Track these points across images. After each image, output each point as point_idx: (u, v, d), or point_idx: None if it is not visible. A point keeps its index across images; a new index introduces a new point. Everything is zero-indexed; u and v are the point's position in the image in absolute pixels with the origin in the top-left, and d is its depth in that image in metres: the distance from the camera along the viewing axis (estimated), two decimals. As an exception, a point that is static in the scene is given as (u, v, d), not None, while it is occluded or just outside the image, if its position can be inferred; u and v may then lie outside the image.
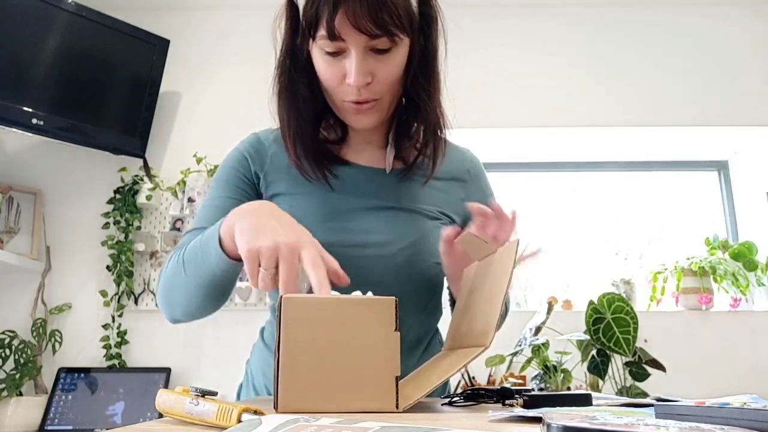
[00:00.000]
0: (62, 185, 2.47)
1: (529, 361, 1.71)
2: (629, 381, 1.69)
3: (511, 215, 0.79)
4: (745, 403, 0.43)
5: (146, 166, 2.42)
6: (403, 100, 0.90)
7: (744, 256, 2.38)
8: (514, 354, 1.71)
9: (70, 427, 2.09)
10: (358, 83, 0.77)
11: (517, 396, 0.64)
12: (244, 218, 0.67)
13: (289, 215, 0.69)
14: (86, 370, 2.22)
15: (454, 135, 1.02)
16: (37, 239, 2.36)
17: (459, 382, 1.88)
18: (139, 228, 2.40)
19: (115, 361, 2.25)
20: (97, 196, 2.44)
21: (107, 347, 2.27)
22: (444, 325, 1.01)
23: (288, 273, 0.61)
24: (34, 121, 2.14)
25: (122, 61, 2.38)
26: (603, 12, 2.63)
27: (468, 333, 0.69)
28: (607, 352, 1.66)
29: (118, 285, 2.32)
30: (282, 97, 0.87)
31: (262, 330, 1.00)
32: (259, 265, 0.62)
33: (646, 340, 1.82)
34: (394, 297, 0.57)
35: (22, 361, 2.15)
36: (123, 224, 2.38)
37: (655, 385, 1.66)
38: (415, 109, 0.88)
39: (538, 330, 1.67)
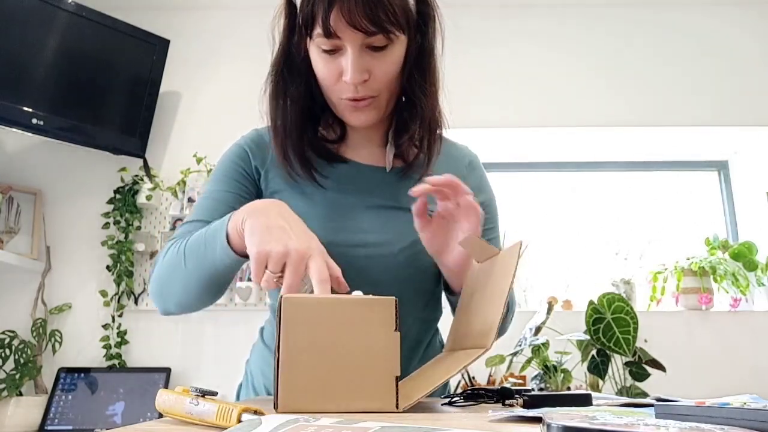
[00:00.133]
0: (62, 185, 2.47)
1: (529, 361, 1.71)
2: (629, 381, 1.69)
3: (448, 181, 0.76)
4: (745, 403, 0.43)
5: (146, 166, 2.42)
6: (403, 98, 0.90)
7: (744, 256, 2.38)
8: (514, 354, 1.71)
9: (70, 427, 2.09)
10: (355, 80, 0.78)
11: (517, 396, 0.64)
12: (255, 217, 0.67)
13: (298, 216, 0.70)
14: (86, 370, 2.22)
15: (454, 135, 1.02)
16: (37, 239, 2.36)
17: (459, 382, 1.88)
18: (139, 228, 2.40)
19: (115, 361, 2.25)
20: (97, 196, 2.44)
21: (107, 347, 2.27)
22: (445, 325, 1.01)
23: (293, 279, 0.62)
24: (34, 121, 2.14)
25: (122, 61, 2.38)
26: (603, 12, 2.63)
27: (469, 334, 0.69)
28: (607, 352, 1.66)
29: (118, 285, 2.32)
30: (272, 97, 0.87)
31: (262, 330, 1.00)
32: (265, 267, 0.63)
33: (646, 340, 1.82)
34: (394, 297, 0.57)
35: (22, 361, 2.15)
36: (123, 224, 2.38)
37: (655, 385, 1.67)
38: (412, 106, 0.88)
39: (538, 330, 1.67)
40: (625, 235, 2.70)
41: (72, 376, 2.21)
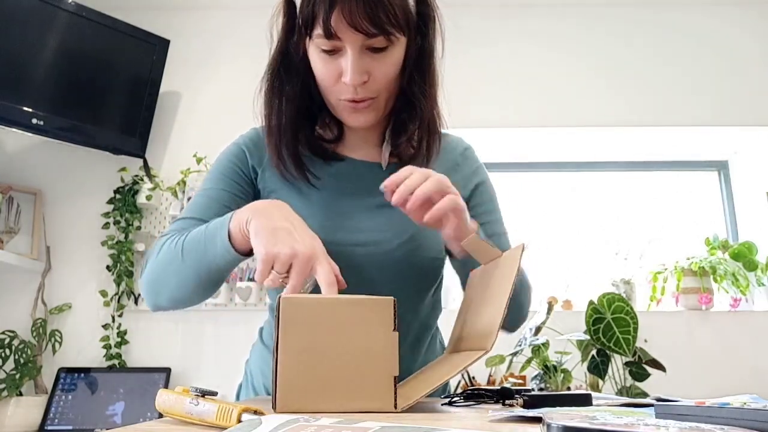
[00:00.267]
0: (62, 185, 2.47)
1: (529, 361, 1.71)
2: (629, 381, 1.69)
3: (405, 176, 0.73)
4: (745, 403, 0.43)
5: (146, 166, 2.42)
6: (401, 98, 0.90)
7: (744, 256, 2.38)
8: (514, 354, 1.71)
9: (70, 427, 2.09)
10: (354, 82, 0.77)
11: (517, 396, 0.64)
12: (260, 219, 0.68)
13: (301, 218, 0.71)
14: (86, 370, 2.22)
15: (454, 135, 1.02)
16: (37, 239, 2.36)
17: (459, 382, 1.88)
18: (139, 228, 2.40)
19: (115, 361, 2.25)
20: (97, 196, 2.44)
21: (107, 347, 2.27)
22: (445, 325, 1.01)
23: (298, 280, 0.64)
24: (34, 121, 2.14)
25: (122, 61, 2.38)
26: (603, 12, 2.63)
27: (470, 336, 0.69)
28: (607, 352, 1.66)
29: (118, 285, 2.32)
30: (268, 95, 0.87)
31: (261, 330, 1.00)
32: (271, 267, 0.65)
33: (646, 340, 1.82)
34: (392, 297, 0.57)
35: (22, 361, 2.15)
36: (123, 224, 2.38)
37: (655, 385, 1.66)
38: (411, 107, 0.88)
39: (538, 330, 1.67)
40: (625, 235, 2.70)
41: (72, 376, 2.21)
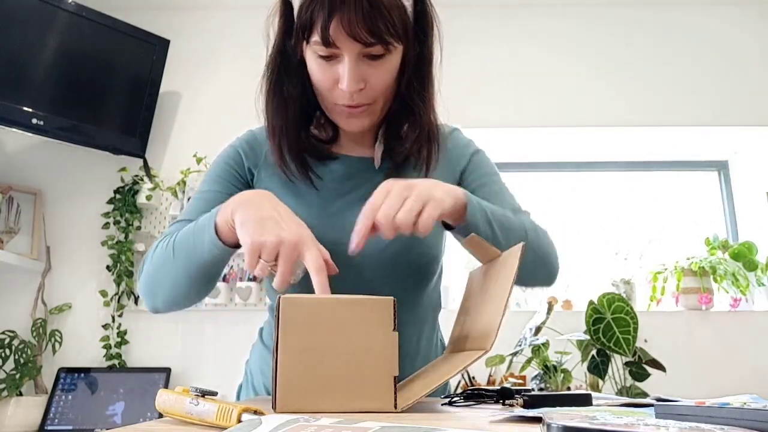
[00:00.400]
0: (62, 185, 2.47)
1: (529, 361, 1.71)
2: (629, 381, 1.69)
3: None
4: (745, 403, 0.43)
5: (146, 166, 2.42)
6: (398, 101, 0.89)
7: (744, 256, 2.38)
8: (514, 354, 1.71)
9: (70, 427, 2.09)
10: (351, 89, 0.77)
11: (517, 396, 0.64)
12: (245, 209, 0.69)
13: (287, 207, 0.72)
14: (86, 370, 2.22)
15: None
16: (37, 239, 2.36)
17: (459, 382, 1.88)
18: (139, 228, 2.40)
19: (115, 361, 2.25)
20: (97, 196, 2.44)
21: (107, 347, 2.27)
22: (445, 325, 1.01)
23: (286, 266, 0.65)
24: (34, 121, 2.14)
25: (122, 61, 2.38)
26: (603, 12, 2.63)
27: (470, 336, 0.69)
28: (607, 352, 1.66)
29: (118, 285, 2.32)
30: (269, 96, 0.87)
31: (261, 330, 1.01)
32: (259, 257, 0.66)
33: (646, 340, 1.82)
34: (392, 297, 0.57)
35: (22, 361, 2.15)
36: (123, 224, 2.38)
37: (655, 385, 1.66)
38: (408, 113, 0.87)
39: (538, 330, 1.67)
40: (625, 235, 2.70)
41: (72, 376, 2.21)
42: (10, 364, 2.16)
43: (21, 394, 2.10)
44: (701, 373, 2.18)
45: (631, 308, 1.65)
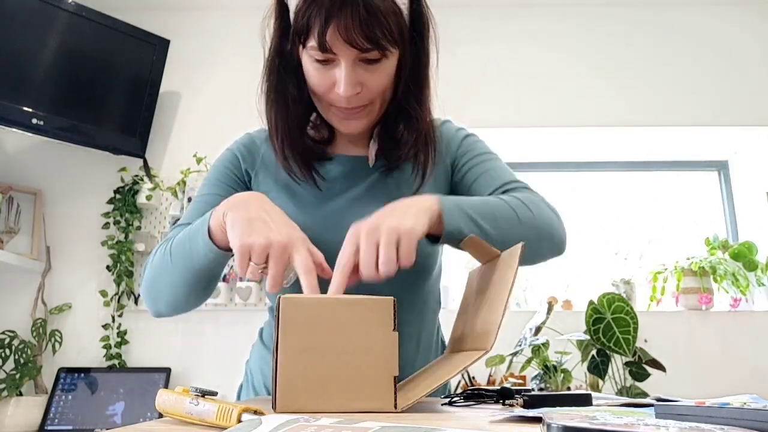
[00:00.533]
0: (62, 185, 2.47)
1: (529, 361, 1.71)
2: (629, 381, 1.69)
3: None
4: (745, 403, 0.43)
5: (146, 166, 2.42)
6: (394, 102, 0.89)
7: (744, 256, 2.38)
8: (514, 354, 1.71)
9: (70, 427, 2.09)
10: (348, 93, 0.77)
11: (517, 396, 0.64)
12: (236, 211, 0.69)
13: (279, 208, 0.72)
14: (86, 370, 2.22)
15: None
16: (37, 239, 2.36)
17: (459, 382, 1.88)
18: (139, 228, 2.40)
19: (115, 361, 2.25)
20: (97, 196, 2.44)
21: (107, 347, 2.27)
22: (445, 325, 1.01)
23: (276, 269, 0.65)
24: (34, 121, 2.14)
25: (122, 61, 2.38)
26: (603, 12, 2.63)
27: (470, 336, 0.69)
28: (607, 352, 1.66)
29: (118, 285, 2.32)
30: (270, 96, 0.87)
31: (261, 331, 1.01)
32: (249, 259, 0.65)
33: (646, 340, 1.82)
34: (392, 297, 0.57)
35: (22, 361, 2.15)
36: (123, 224, 2.38)
37: (655, 385, 1.66)
38: (405, 115, 0.87)
39: (538, 330, 1.67)
40: (625, 235, 2.70)
41: (72, 376, 2.21)
42: (10, 364, 2.16)
43: (21, 394, 2.10)
44: (701, 373, 2.18)
45: (631, 308, 1.65)
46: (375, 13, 0.72)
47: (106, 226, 2.40)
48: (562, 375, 1.66)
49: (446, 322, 0.97)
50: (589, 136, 2.59)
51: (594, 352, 1.69)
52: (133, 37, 2.38)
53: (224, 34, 2.64)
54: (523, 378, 1.92)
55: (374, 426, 0.33)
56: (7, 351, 2.16)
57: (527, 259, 0.63)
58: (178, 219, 2.33)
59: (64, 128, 2.23)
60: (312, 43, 0.75)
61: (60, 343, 2.26)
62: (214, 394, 0.49)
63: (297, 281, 0.68)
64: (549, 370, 1.66)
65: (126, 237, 2.36)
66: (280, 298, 0.55)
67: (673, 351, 2.03)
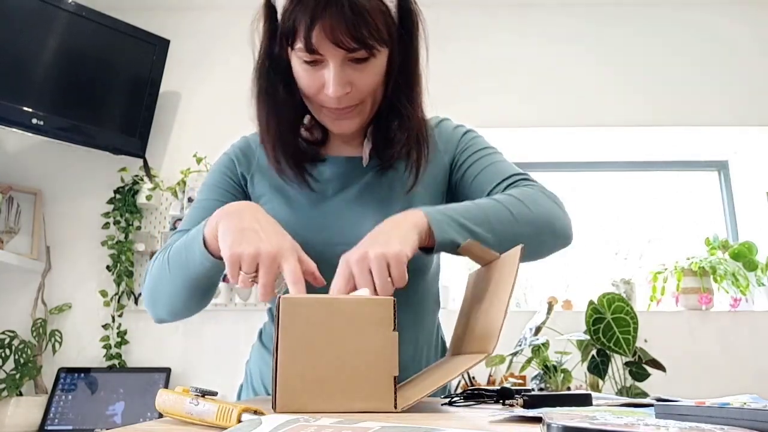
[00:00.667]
0: (62, 185, 2.47)
1: (529, 361, 1.71)
2: (629, 381, 1.69)
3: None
4: (745, 403, 0.43)
5: (146, 166, 2.42)
6: (385, 102, 0.89)
7: (744, 256, 2.38)
8: (514, 354, 1.71)
9: (70, 427, 2.09)
10: (337, 94, 0.77)
11: (517, 396, 0.64)
12: (228, 220, 0.69)
13: (272, 218, 0.72)
14: (86, 370, 2.22)
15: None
16: (37, 239, 2.36)
17: (459, 382, 1.88)
18: (139, 228, 2.40)
19: (115, 361, 2.25)
20: (97, 196, 2.44)
21: (107, 347, 2.27)
22: (446, 325, 1.01)
23: (266, 278, 0.65)
24: (34, 121, 2.14)
25: (122, 61, 2.38)
26: (602, 12, 2.63)
27: (470, 339, 0.69)
28: (607, 352, 1.66)
29: (118, 285, 2.32)
30: (261, 99, 0.87)
31: (261, 332, 1.01)
32: (240, 269, 0.66)
33: (646, 340, 1.81)
34: (392, 297, 0.57)
35: (22, 361, 2.15)
36: (123, 224, 2.38)
37: (655, 385, 1.66)
38: (397, 113, 0.87)
39: (538, 330, 1.67)
40: (625, 235, 2.70)
41: (72, 376, 2.21)
42: (10, 364, 2.16)
43: (21, 394, 2.10)
44: (701, 373, 2.18)
45: (631, 308, 1.65)
46: (361, 13, 0.72)
47: (106, 226, 2.40)
48: (562, 375, 1.66)
49: (446, 322, 0.97)
50: (590, 136, 2.59)
51: (594, 352, 1.69)
52: (132, 37, 2.38)
53: (224, 33, 2.64)
54: (523, 378, 1.92)
55: (374, 426, 0.33)
56: (7, 351, 2.16)
57: (532, 255, 0.62)
58: (179, 219, 2.36)
59: (64, 128, 2.23)
60: (299, 44, 0.75)
61: (60, 343, 2.26)
62: (214, 394, 0.49)
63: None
64: (549, 370, 1.66)
65: (126, 237, 2.36)
66: (280, 298, 0.55)
67: (673, 351, 2.03)
